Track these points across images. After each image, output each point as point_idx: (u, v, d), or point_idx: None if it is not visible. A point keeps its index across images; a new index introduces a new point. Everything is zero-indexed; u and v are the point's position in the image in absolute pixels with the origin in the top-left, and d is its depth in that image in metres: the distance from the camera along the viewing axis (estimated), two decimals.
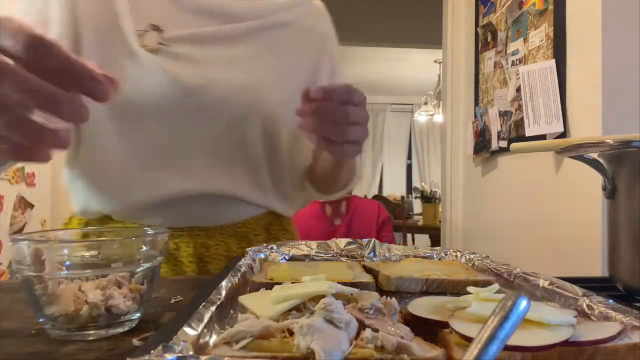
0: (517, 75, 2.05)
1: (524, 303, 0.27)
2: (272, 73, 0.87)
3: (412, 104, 7.96)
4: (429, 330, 0.37)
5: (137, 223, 0.82)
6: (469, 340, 0.33)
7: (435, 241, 4.35)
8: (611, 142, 0.57)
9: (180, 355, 0.28)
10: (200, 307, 0.37)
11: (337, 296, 0.39)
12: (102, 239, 0.52)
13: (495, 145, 2.29)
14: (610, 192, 0.60)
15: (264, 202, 0.88)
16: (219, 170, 0.84)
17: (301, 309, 0.38)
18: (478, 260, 0.66)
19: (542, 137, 1.85)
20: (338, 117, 0.64)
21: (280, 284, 0.46)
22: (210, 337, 0.36)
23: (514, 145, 0.92)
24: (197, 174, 0.83)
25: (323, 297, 0.37)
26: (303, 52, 0.93)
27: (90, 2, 0.80)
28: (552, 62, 1.82)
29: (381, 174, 8.08)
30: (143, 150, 0.81)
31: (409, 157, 8.32)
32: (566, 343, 0.32)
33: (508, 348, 0.31)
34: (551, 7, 1.85)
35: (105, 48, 0.78)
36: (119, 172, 0.81)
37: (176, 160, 0.82)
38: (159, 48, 0.80)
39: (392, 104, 8.05)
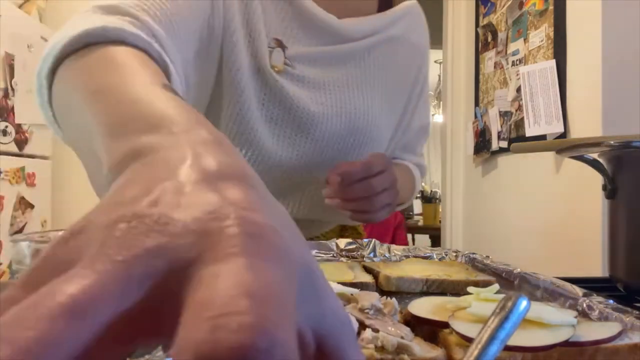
0: (517, 75, 2.05)
1: (524, 303, 0.27)
2: (381, 95, 0.85)
3: None
4: (429, 330, 0.37)
5: None
6: (469, 340, 0.33)
7: (435, 241, 4.34)
8: (611, 142, 0.57)
9: None
10: None
11: (337, 296, 0.39)
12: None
13: (495, 145, 2.29)
14: (610, 192, 0.60)
15: (344, 221, 0.91)
16: (317, 197, 0.79)
17: None
18: (478, 260, 0.66)
19: (542, 137, 1.85)
20: (361, 193, 0.68)
21: None
22: None
23: (514, 145, 0.92)
24: (299, 200, 0.82)
25: None
26: (406, 69, 0.90)
27: (235, 13, 0.69)
28: (552, 62, 1.82)
29: None
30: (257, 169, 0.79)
31: None
32: (566, 343, 0.32)
33: (508, 348, 0.31)
34: (551, 7, 1.85)
35: (240, 62, 0.70)
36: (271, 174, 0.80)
37: (287, 185, 0.79)
38: (284, 69, 0.74)
39: None
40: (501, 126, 2.24)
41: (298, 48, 0.76)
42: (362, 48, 0.83)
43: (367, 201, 0.69)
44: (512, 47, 2.16)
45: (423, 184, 7.58)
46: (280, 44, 0.74)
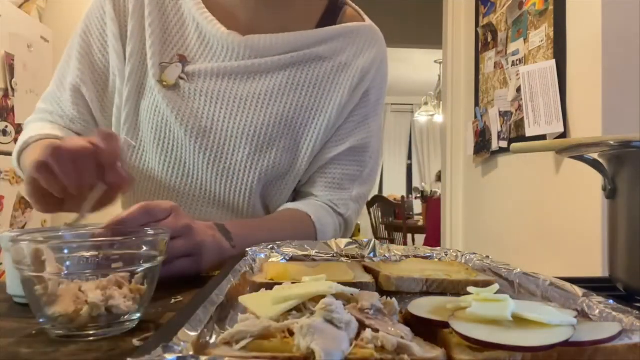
0: (517, 75, 2.05)
1: None
2: (286, 114, 0.84)
3: (412, 104, 7.97)
4: (429, 330, 0.37)
5: None
6: (469, 340, 0.33)
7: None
8: (611, 142, 0.57)
9: (180, 355, 0.28)
10: (200, 307, 0.37)
11: (337, 296, 0.39)
12: (102, 238, 0.52)
13: (495, 145, 2.29)
14: (610, 192, 0.60)
15: None
16: (217, 209, 0.86)
17: (301, 309, 0.38)
18: (478, 260, 0.65)
19: (542, 137, 1.85)
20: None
21: (280, 284, 0.46)
22: (210, 337, 0.36)
23: (514, 145, 0.92)
24: (199, 212, 0.86)
25: (323, 297, 0.37)
26: (334, 91, 0.87)
27: (133, 34, 0.84)
28: (552, 62, 1.82)
29: (381, 174, 8.08)
30: (170, 175, 0.86)
31: (409, 157, 8.32)
32: (566, 343, 0.32)
33: (508, 348, 0.31)
34: (551, 7, 1.85)
35: (138, 77, 0.84)
36: (156, 189, 0.87)
37: (184, 196, 0.86)
38: (176, 83, 0.82)
39: (392, 104, 8.05)
40: (501, 126, 2.24)
41: (201, 64, 0.83)
42: (272, 64, 0.84)
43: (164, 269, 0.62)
44: (512, 47, 2.16)
45: (423, 184, 7.58)
46: (184, 59, 0.83)
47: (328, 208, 0.89)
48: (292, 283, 0.47)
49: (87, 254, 0.45)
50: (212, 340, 0.36)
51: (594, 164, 0.61)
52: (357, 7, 0.96)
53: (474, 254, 0.68)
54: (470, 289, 0.43)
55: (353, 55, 0.88)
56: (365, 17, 0.95)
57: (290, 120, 0.85)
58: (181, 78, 0.82)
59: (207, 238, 0.66)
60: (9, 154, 2.55)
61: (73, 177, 0.57)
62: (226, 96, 0.83)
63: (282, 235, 0.75)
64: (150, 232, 0.52)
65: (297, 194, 0.93)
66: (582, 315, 0.42)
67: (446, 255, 0.71)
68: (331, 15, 0.91)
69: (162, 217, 0.62)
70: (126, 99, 0.84)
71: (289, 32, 0.85)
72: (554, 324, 0.34)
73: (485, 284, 0.52)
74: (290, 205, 0.88)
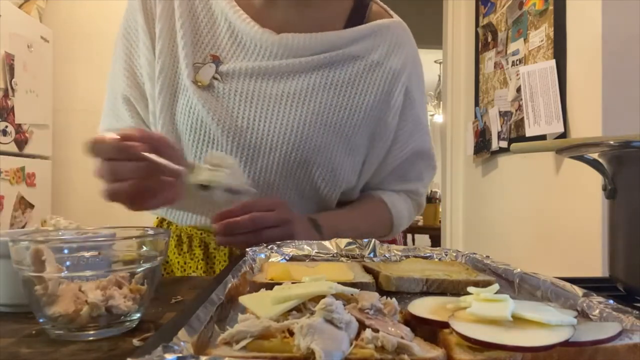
0: (517, 75, 2.05)
1: None
2: (320, 114, 0.84)
3: None
4: (429, 330, 0.37)
5: (190, 226, 0.90)
6: (469, 340, 0.33)
7: (435, 241, 4.35)
8: (611, 142, 0.57)
9: (180, 355, 0.28)
10: (200, 307, 0.37)
11: (337, 296, 0.39)
12: (102, 239, 0.52)
13: (495, 145, 2.29)
14: (610, 192, 0.60)
15: None
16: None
17: (301, 309, 0.38)
18: (478, 260, 0.65)
19: (542, 137, 1.85)
20: (246, 226, 0.74)
21: (280, 284, 0.46)
22: (210, 337, 0.36)
23: (514, 145, 0.92)
24: None
25: (323, 297, 0.37)
26: (367, 89, 0.87)
27: (162, 35, 0.83)
28: (552, 62, 1.82)
29: None
30: None
31: None
32: (566, 343, 0.32)
33: (508, 348, 0.31)
34: (551, 7, 1.85)
35: (168, 78, 0.83)
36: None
37: None
38: (211, 83, 0.82)
39: None
40: (501, 126, 2.24)
41: (234, 63, 0.83)
42: (306, 64, 0.84)
43: (253, 235, 0.73)
44: (512, 47, 2.16)
45: None
46: (217, 59, 0.83)
47: (402, 194, 0.97)
48: (292, 283, 0.47)
49: (87, 254, 0.45)
50: (212, 340, 0.36)
51: (594, 164, 0.61)
52: (381, 3, 0.96)
53: (474, 254, 0.68)
54: (470, 289, 0.43)
55: (385, 53, 0.89)
56: (392, 12, 0.96)
57: (325, 119, 0.84)
58: (215, 78, 0.82)
59: (300, 229, 0.77)
60: (9, 154, 2.55)
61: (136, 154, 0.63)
62: (261, 96, 0.82)
63: (363, 225, 0.89)
64: (150, 232, 0.52)
65: (365, 188, 0.96)
66: (582, 315, 0.42)
67: (446, 255, 0.71)
68: (359, 13, 0.91)
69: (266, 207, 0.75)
70: (159, 101, 0.83)
71: (321, 32, 0.85)
72: (554, 324, 0.34)
73: (485, 284, 0.52)
74: (367, 193, 0.95)
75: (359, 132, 0.87)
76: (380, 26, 0.89)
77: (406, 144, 0.93)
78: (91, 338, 0.43)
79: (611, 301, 0.42)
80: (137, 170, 0.63)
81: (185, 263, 0.90)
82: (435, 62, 5.42)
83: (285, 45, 0.83)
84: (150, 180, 0.64)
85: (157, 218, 0.98)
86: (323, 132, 0.84)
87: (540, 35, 1.93)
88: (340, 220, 0.87)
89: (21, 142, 2.65)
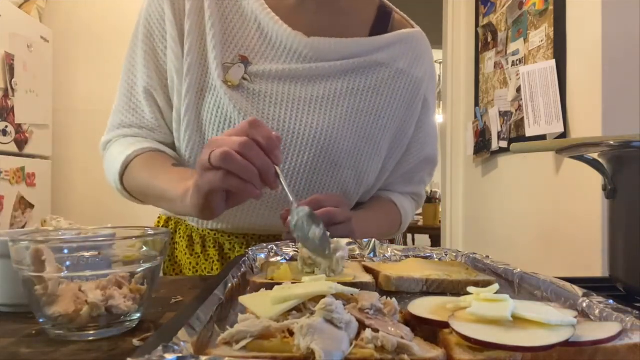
0: (517, 75, 2.05)
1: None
2: (348, 118, 0.85)
3: None
4: (429, 330, 0.37)
5: (207, 228, 0.90)
6: (469, 340, 0.33)
7: (435, 241, 4.34)
8: (611, 142, 0.57)
9: (180, 355, 0.28)
10: (200, 307, 0.37)
11: (337, 296, 0.39)
12: (102, 239, 0.52)
13: (495, 145, 2.29)
14: (610, 192, 0.60)
15: None
16: (277, 210, 0.84)
17: (301, 309, 0.38)
18: (478, 260, 0.65)
19: (542, 137, 1.85)
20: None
21: (280, 284, 0.46)
22: (210, 337, 0.36)
23: (514, 145, 0.92)
24: (262, 212, 0.86)
25: (323, 297, 0.37)
26: (392, 96, 0.89)
27: (191, 33, 0.82)
28: (552, 62, 1.82)
29: None
30: None
31: None
32: (566, 343, 0.32)
33: (508, 348, 0.31)
34: (551, 7, 1.85)
35: (196, 76, 0.82)
36: None
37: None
38: (240, 83, 0.82)
39: None
40: (501, 126, 2.24)
41: (263, 65, 0.82)
42: (335, 69, 0.84)
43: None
44: (512, 47, 2.16)
45: None
46: (245, 60, 0.83)
47: (408, 196, 1.02)
48: (292, 283, 0.47)
49: (87, 254, 0.45)
50: (212, 340, 0.36)
51: (594, 164, 0.61)
52: (402, 13, 0.98)
53: (474, 254, 0.68)
54: (470, 289, 0.43)
55: (409, 62, 0.91)
56: (412, 22, 0.98)
57: (353, 122, 0.86)
58: (244, 79, 0.82)
59: (355, 228, 0.79)
60: (9, 154, 2.55)
61: (264, 160, 0.60)
62: (290, 98, 0.83)
63: (384, 225, 0.95)
64: (150, 232, 0.52)
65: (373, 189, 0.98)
66: (582, 315, 0.42)
67: (446, 255, 0.71)
68: (382, 22, 0.93)
69: (339, 221, 0.75)
70: (186, 99, 0.82)
71: (348, 38, 0.86)
72: (554, 324, 0.34)
73: (485, 284, 0.52)
74: (377, 195, 0.98)
75: (385, 137, 0.89)
76: (407, 35, 0.92)
77: (419, 151, 0.97)
78: (91, 338, 0.43)
79: (611, 301, 0.42)
80: (255, 178, 0.60)
81: (197, 264, 0.90)
82: (435, 62, 5.42)
83: (316, 49, 0.83)
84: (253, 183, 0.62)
85: (161, 218, 0.98)
86: (351, 136, 0.86)
87: (540, 35, 1.93)
88: (367, 220, 0.88)
89: (21, 142, 2.65)
